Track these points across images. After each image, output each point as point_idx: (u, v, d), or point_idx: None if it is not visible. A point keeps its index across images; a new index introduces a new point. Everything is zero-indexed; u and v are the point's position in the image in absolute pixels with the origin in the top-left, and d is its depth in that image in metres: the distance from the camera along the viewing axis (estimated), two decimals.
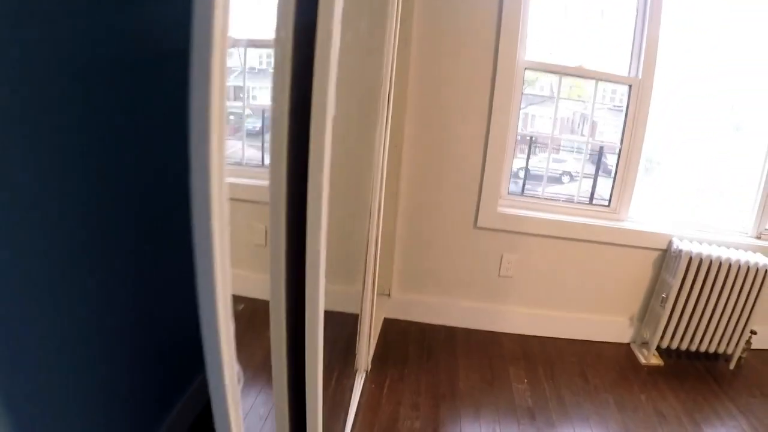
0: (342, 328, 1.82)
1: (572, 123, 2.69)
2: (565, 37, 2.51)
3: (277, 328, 0.87)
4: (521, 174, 2.61)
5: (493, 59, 2.22)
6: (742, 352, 2.70)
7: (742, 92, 2.70)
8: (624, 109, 2.49)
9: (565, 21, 2.47)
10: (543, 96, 2.65)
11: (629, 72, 2.46)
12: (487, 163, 2.32)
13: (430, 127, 2.29)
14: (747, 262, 2.48)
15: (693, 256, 2.41)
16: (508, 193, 2.49)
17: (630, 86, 2.45)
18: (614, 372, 2.43)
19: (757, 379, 2.66)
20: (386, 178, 2.22)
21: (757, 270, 2.51)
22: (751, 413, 2.35)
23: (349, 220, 1.63)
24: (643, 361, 2.54)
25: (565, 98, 2.59)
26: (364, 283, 1.93)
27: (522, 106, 2.49)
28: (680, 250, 2.43)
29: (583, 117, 2.62)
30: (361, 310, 1.99)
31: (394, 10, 1.65)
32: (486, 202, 2.36)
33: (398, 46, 2.07)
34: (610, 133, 2.60)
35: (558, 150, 2.70)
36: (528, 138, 2.59)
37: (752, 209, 2.80)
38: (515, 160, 2.55)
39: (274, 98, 0.73)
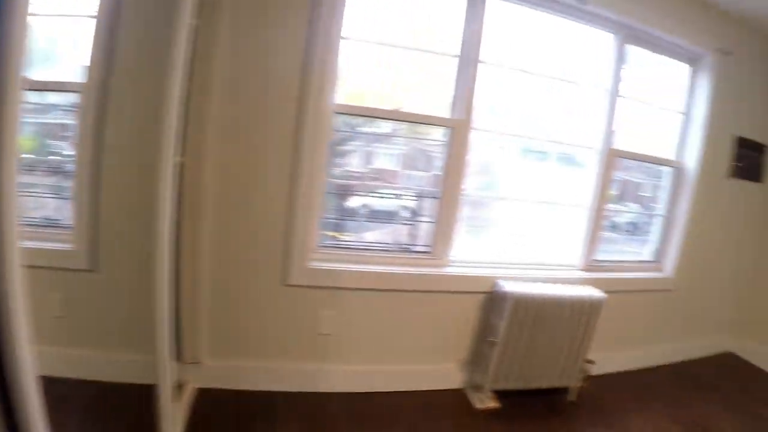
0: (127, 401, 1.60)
1: (407, 163, 2.57)
2: (386, 80, 2.38)
3: None
4: (353, 214, 2.45)
5: (297, 105, 2.08)
6: (580, 383, 2.69)
7: (567, 129, 2.69)
8: (445, 151, 2.39)
9: (385, 65, 2.34)
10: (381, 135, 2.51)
11: (452, 114, 2.37)
12: (294, 216, 2.15)
13: (232, 179, 2.11)
14: (577, 298, 2.47)
15: (518, 297, 2.36)
16: (321, 246, 2.33)
17: (451, 129, 2.35)
18: (450, 422, 2.33)
19: (598, 408, 2.65)
20: (186, 237, 2.02)
21: (588, 303, 2.50)
22: None
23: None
24: (478, 405, 2.47)
25: (402, 137, 2.47)
26: (156, 351, 1.71)
27: (361, 144, 2.37)
28: (505, 292, 2.37)
29: (408, 158, 2.52)
30: (158, 381, 1.77)
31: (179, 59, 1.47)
32: (296, 257, 2.20)
33: (194, 97, 1.88)
34: (429, 177, 2.51)
35: (377, 195, 2.58)
36: (343, 185, 2.44)
37: (579, 243, 2.81)
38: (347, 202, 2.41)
39: None
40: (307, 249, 2.21)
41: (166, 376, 1.72)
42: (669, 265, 3.07)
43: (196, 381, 2.24)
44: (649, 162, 3.04)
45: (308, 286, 2.26)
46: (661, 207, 3.11)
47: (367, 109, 2.29)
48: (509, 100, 2.53)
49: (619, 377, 3.06)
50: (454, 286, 2.43)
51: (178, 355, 2.17)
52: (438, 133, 2.42)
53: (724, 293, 3.52)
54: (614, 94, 2.63)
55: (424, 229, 2.50)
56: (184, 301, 2.13)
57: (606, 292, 2.57)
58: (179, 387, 2.13)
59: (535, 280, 2.54)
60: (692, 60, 2.92)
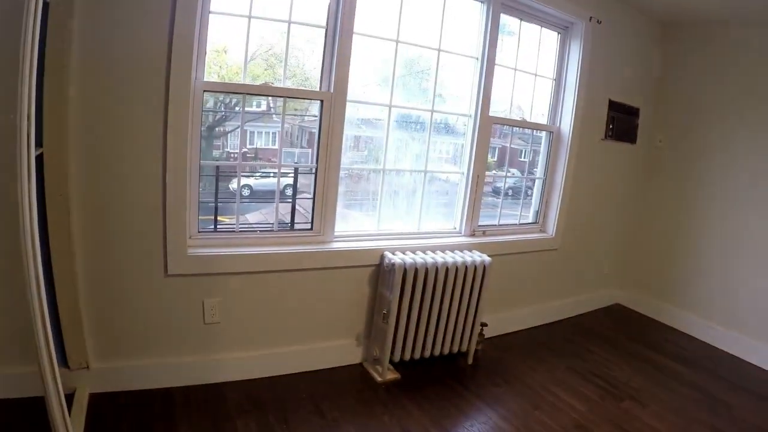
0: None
1: (290, 139, 2.51)
2: (258, 56, 2.29)
3: None
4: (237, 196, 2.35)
5: (164, 84, 1.92)
6: (477, 345, 2.77)
7: (444, 98, 2.73)
8: (317, 125, 2.35)
9: (257, 38, 2.24)
10: (258, 113, 2.42)
11: (320, 86, 2.32)
12: (168, 202, 2.02)
13: (99, 167, 1.92)
14: (463, 262, 2.52)
15: (407, 267, 2.37)
16: (201, 232, 2.22)
17: (322, 101, 2.30)
18: (352, 398, 2.32)
19: (497, 368, 2.75)
20: (56, 233, 1.85)
21: (475, 267, 2.56)
22: (499, 403, 2.41)
23: None
24: (378, 378, 2.47)
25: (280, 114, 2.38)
26: (40, 361, 1.53)
27: (239, 124, 2.25)
28: (392, 264, 2.37)
29: (287, 135, 2.45)
30: (46, 392, 1.59)
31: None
32: (173, 245, 2.07)
33: (49, 78, 1.70)
34: (308, 153, 2.47)
35: (257, 175, 2.51)
36: (221, 167, 2.34)
37: (461, 211, 2.87)
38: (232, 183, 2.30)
39: None
40: (184, 236, 2.09)
41: (51, 386, 1.56)
42: (551, 226, 3.23)
43: (87, 386, 2.07)
44: (525, 128, 3.17)
45: (189, 275, 2.14)
46: (540, 171, 3.25)
47: (237, 85, 2.19)
48: (385, 71, 2.52)
49: (515, 336, 3.20)
50: (340, 261, 2.41)
51: (65, 361, 2.02)
52: (315, 109, 2.37)
53: (608, 248, 3.78)
54: (488, 62, 2.69)
55: (305, 206, 2.46)
56: (62, 304, 1.95)
57: (492, 255, 2.66)
58: (72, 395, 1.98)
59: (422, 249, 2.58)
60: (563, 28, 3.06)
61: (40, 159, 1.76)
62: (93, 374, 2.07)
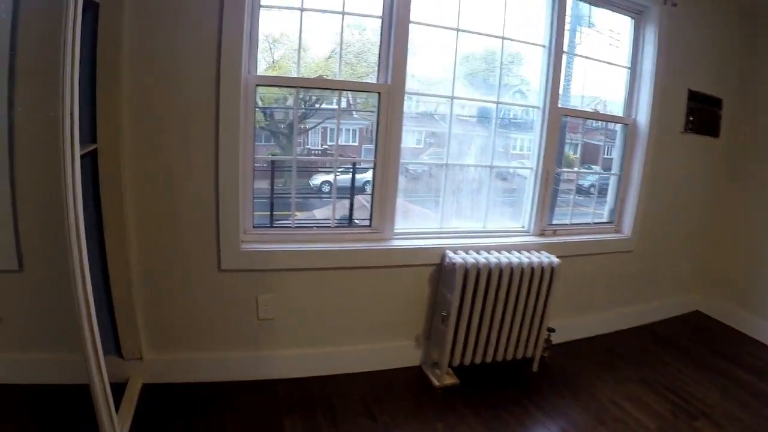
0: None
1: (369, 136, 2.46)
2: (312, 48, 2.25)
3: None
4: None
5: (215, 80, 1.92)
6: (543, 352, 2.60)
7: (510, 89, 2.59)
8: (376, 119, 2.27)
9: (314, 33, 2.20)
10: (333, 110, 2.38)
11: (378, 78, 2.24)
12: (221, 197, 2.02)
13: (152, 161, 1.95)
14: (530, 263, 2.37)
15: (468, 267, 2.25)
16: (254, 227, 2.20)
17: (379, 94, 2.23)
18: (406, 402, 2.23)
19: (563, 377, 2.57)
20: (111, 227, 1.90)
21: (542, 269, 2.40)
22: (562, 416, 2.25)
23: None
24: (436, 383, 2.36)
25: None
26: (84, 349, 1.55)
27: (319, 121, 2.30)
28: (453, 263, 2.26)
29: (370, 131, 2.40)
30: (91, 380, 1.61)
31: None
32: (227, 241, 2.06)
33: (102, 77, 1.75)
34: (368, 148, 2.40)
35: (315, 170, 2.46)
36: (271, 161, 2.31)
37: (530, 209, 2.71)
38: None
39: None
40: (237, 231, 2.07)
41: (95, 374, 1.57)
42: (627, 226, 3.00)
43: (140, 377, 2.12)
44: (599, 120, 2.96)
45: (244, 270, 2.13)
46: (615, 167, 3.03)
47: (290, 78, 2.15)
48: (447, 61, 2.41)
49: (584, 344, 2.99)
50: (399, 259, 2.31)
51: (119, 351, 2.07)
52: (374, 101, 2.30)
53: (687, 251, 3.47)
54: (557, 50, 2.52)
55: (365, 202, 2.39)
56: (117, 296, 2.00)
57: (562, 257, 2.48)
58: (125, 384, 2.03)
59: (486, 248, 2.44)
60: (637, 13, 2.83)
61: (95, 154, 1.79)
62: (146, 365, 2.11)
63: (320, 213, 2.52)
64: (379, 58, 2.25)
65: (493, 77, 2.53)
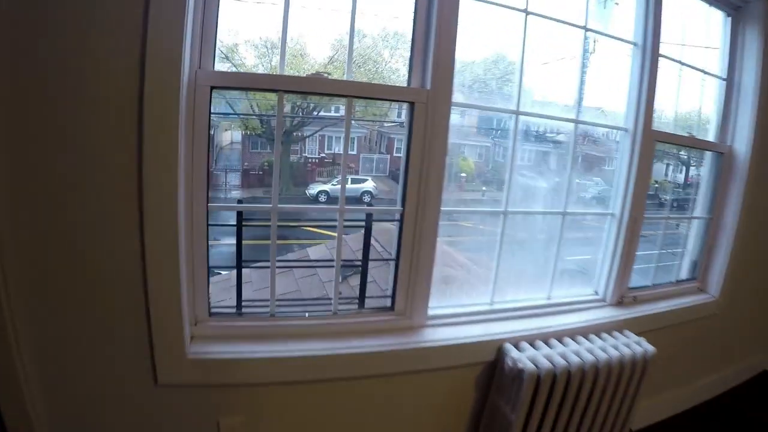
0: None
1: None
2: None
3: None
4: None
5: (137, 72, 1.08)
6: None
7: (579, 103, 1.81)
8: (405, 142, 1.48)
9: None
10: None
11: (409, 82, 1.45)
12: (149, 271, 1.20)
13: (40, 224, 1.11)
14: (620, 358, 1.66)
15: (542, 373, 1.49)
16: (211, 315, 1.38)
17: (412, 104, 1.42)
18: None
19: None
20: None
21: (635, 362, 1.66)
22: None
23: None
24: None
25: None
26: None
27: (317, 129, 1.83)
28: (521, 369, 1.48)
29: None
30: None
31: None
32: (164, 343, 1.26)
33: None
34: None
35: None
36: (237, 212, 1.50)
37: (609, 269, 1.95)
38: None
39: None
40: (182, 325, 1.25)
41: None
42: (714, 284, 2.28)
43: None
44: (694, 147, 2.22)
45: (194, 385, 1.31)
46: (701, 208, 2.30)
47: (268, 78, 1.36)
48: (503, 60, 1.64)
49: (663, 428, 2.25)
50: (438, 360, 1.53)
51: None
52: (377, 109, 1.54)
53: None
54: (652, 51, 1.78)
55: (377, 275, 1.59)
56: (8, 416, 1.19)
57: (644, 332, 1.76)
58: None
59: (557, 335, 1.67)
60: (734, 9, 2.12)
61: None
62: None
63: (314, 252, 1.96)
64: (412, 51, 1.45)
65: (571, 83, 1.76)
